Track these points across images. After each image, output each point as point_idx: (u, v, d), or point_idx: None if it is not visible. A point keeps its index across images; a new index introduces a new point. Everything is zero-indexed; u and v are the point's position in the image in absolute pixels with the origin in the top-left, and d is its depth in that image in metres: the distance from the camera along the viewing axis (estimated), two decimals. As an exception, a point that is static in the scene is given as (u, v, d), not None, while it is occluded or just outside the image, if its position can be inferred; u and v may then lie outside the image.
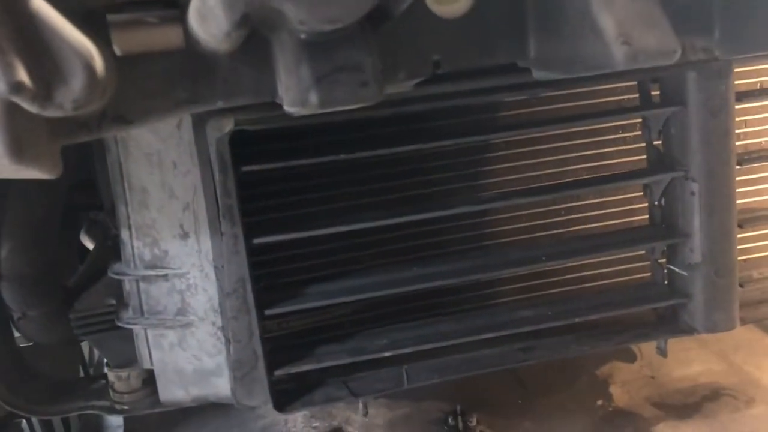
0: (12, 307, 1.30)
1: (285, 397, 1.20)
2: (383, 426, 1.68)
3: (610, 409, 1.69)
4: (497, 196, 1.26)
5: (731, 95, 1.18)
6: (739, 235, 1.31)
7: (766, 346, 1.86)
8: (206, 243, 1.11)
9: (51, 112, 0.73)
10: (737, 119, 1.36)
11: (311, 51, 0.77)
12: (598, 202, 1.42)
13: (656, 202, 1.31)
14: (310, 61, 0.77)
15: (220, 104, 0.91)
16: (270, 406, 1.18)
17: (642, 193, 1.35)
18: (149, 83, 0.86)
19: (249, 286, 1.10)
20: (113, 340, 1.27)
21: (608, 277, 1.44)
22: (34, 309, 1.31)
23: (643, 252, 1.36)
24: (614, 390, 1.75)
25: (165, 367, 1.21)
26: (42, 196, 1.30)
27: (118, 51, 0.80)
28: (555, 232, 1.41)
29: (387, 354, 1.19)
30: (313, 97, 0.77)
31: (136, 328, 1.20)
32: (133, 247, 1.15)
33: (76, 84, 0.72)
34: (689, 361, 1.82)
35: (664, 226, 1.29)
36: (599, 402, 1.71)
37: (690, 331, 1.28)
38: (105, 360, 1.39)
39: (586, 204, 1.42)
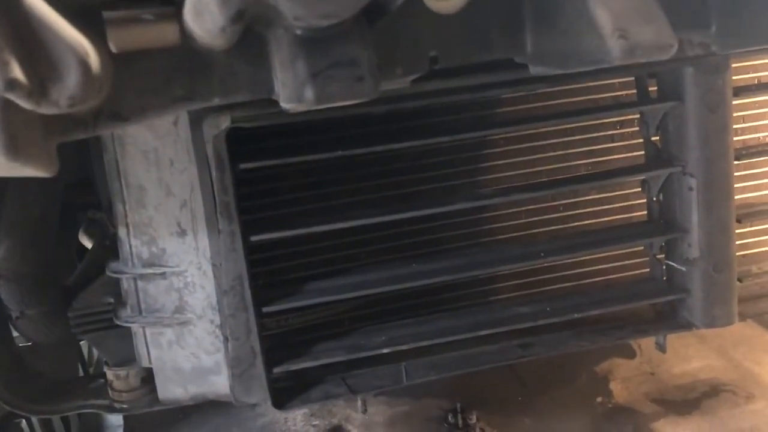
0: (10, 306, 1.30)
1: (283, 394, 1.20)
2: (383, 424, 1.68)
3: (610, 405, 1.69)
4: (495, 192, 1.26)
5: (729, 90, 1.18)
6: (738, 230, 1.31)
7: (765, 342, 1.86)
8: (204, 240, 1.11)
9: (46, 109, 0.72)
10: (735, 114, 1.36)
11: (307, 47, 0.77)
12: (596, 198, 1.42)
13: (654, 198, 1.31)
14: (306, 56, 0.77)
15: (216, 101, 0.91)
16: (269, 403, 1.18)
17: (640, 189, 1.35)
18: (145, 80, 0.86)
19: (246, 284, 1.10)
20: (112, 338, 1.27)
21: (607, 272, 1.44)
22: (33, 308, 1.31)
23: (642, 248, 1.36)
24: (614, 386, 1.76)
25: (163, 366, 1.21)
26: (40, 195, 1.30)
27: (113, 48, 0.80)
28: (554, 228, 1.41)
29: (385, 351, 1.19)
30: (309, 93, 0.77)
31: (135, 327, 1.20)
32: (130, 246, 1.15)
33: (71, 81, 0.72)
34: (689, 357, 1.82)
35: (663, 222, 1.29)
36: (599, 399, 1.71)
37: (688, 326, 1.28)
38: (104, 359, 1.39)
39: (584, 200, 1.42)
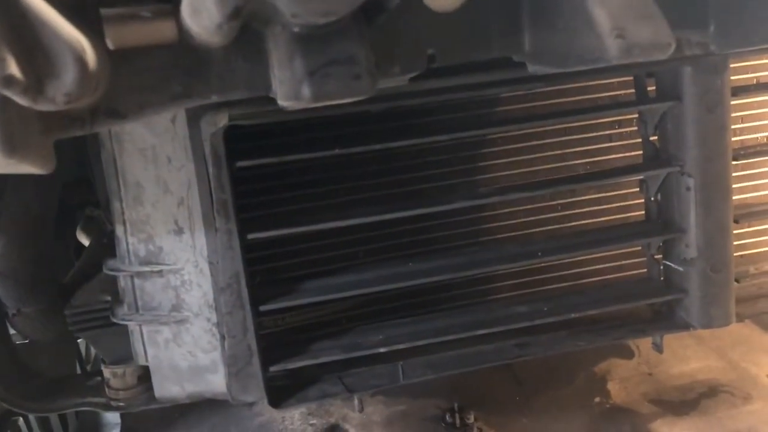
0: (7, 303, 1.30)
1: (280, 393, 1.20)
2: (380, 423, 1.68)
3: (608, 405, 1.70)
4: (493, 191, 1.26)
5: (727, 90, 1.18)
6: (736, 231, 1.31)
7: (763, 342, 1.86)
8: (201, 238, 1.11)
9: (43, 106, 0.72)
10: (734, 114, 1.36)
11: (304, 44, 0.77)
12: (594, 198, 1.42)
13: (652, 198, 1.31)
14: (304, 54, 0.77)
15: (214, 98, 0.91)
16: (265, 402, 1.18)
17: (638, 189, 1.35)
18: (143, 77, 0.86)
19: (243, 282, 1.10)
20: (109, 336, 1.27)
21: (605, 272, 1.44)
22: (30, 305, 1.31)
23: (639, 247, 1.36)
24: (612, 387, 1.76)
25: (160, 364, 1.20)
26: (37, 192, 1.30)
27: (111, 45, 0.80)
28: (552, 227, 1.41)
29: (382, 350, 1.19)
30: (306, 91, 0.77)
31: (131, 325, 1.19)
32: (127, 243, 1.15)
33: (67, 78, 0.72)
34: (687, 357, 1.82)
35: (660, 222, 1.29)
36: (597, 399, 1.71)
37: (686, 326, 1.28)
38: (101, 356, 1.39)
39: (582, 199, 1.41)
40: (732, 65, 1.31)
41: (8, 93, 0.70)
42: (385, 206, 1.21)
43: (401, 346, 1.20)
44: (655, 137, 1.28)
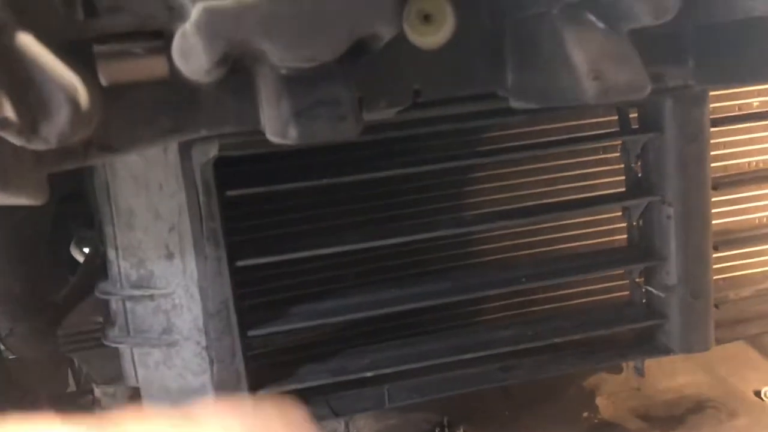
0: (0, 323, 1.32)
1: (268, 415, 1.22)
2: (370, 438, 1.69)
3: (596, 420, 1.71)
4: (479, 218, 1.29)
5: (706, 122, 1.21)
6: (718, 255, 1.34)
7: (751, 358, 1.88)
8: (191, 263, 1.13)
9: (37, 146, 0.75)
10: (718, 141, 1.39)
11: (291, 85, 0.79)
12: (580, 222, 1.45)
13: (635, 223, 1.33)
14: (290, 95, 0.79)
15: (203, 132, 0.93)
16: (254, 423, 1.19)
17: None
18: (135, 112, 0.88)
19: (232, 308, 1.12)
20: (100, 357, 1.29)
21: (590, 295, 1.46)
22: (23, 325, 1.32)
23: (623, 272, 1.38)
24: (600, 401, 1.77)
25: (150, 385, 1.22)
26: (30, 213, 1.31)
27: (103, 81, 0.82)
28: (539, 250, 1.43)
29: (368, 374, 1.21)
30: (293, 131, 0.80)
31: (122, 347, 1.21)
32: (119, 267, 1.17)
33: (61, 118, 0.74)
34: (675, 373, 1.83)
35: (642, 248, 1.31)
36: (585, 414, 1.73)
37: (666, 351, 1.31)
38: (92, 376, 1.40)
39: (568, 224, 1.44)
40: (715, 93, 1.34)
41: (3, 134, 0.72)
42: (374, 230, 1.24)
43: (387, 371, 1.22)
44: (638, 165, 1.31)
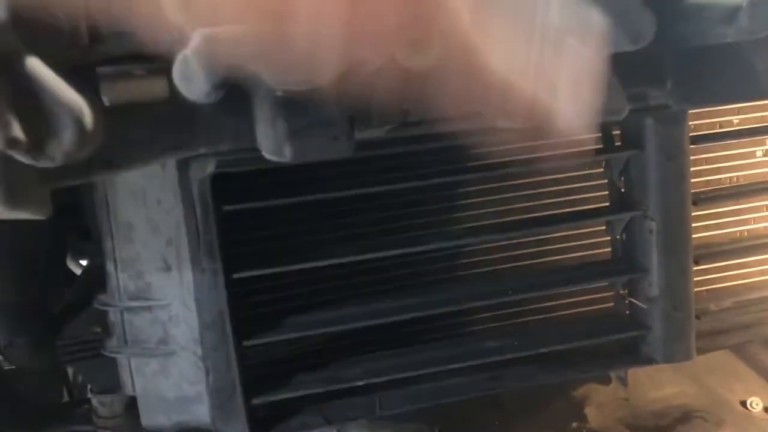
0: (-1, 334, 1.34)
1: (262, 424, 1.25)
2: (363, 447, 1.72)
3: (585, 430, 1.73)
4: (468, 232, 1.32)
5: (686, 140, 1.25)
6: (699, 268, 1.38)
7: (738, 369, 1.91)
8: (188, 276, 1.16)
9: (43, 164, 0.79)
10: (699, 157, 1.44)
11: (286, 107, 0.84)
12: (566, 235, 1.49)
13: (618, 237, 1.37)
14: (285, 116, 0.83)
15: (202, 150, 0.98)
16: (248, 432, 1.22)
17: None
18: (136, 131, 0.92)
19: (228, 319, 1.15)
20: (97, 367, 1.31)
21: (575, 306, 1.50)
22: (22, 337, 1.34)
23: (607, 284, 1.42)
24: (589, 411, 1.79)
25: (147, 394, 1.25)
26: (31, 227, 1.33)
27: (106, 101, 0.86)
28: (526, 263, 1.47)
29: (360, 383, 1.24)
30: (288, 150, 0.84)
31: (120, 357, 1.24)
32: (118, 279, 1.20)
33: (66, 137, 0.78)
34: (663, 383, 1.86)
35: (625, 261, 1.35)
36: (574, 424, 1.75)
37: (650, 361, 1.35)
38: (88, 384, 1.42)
39: (555, 236, 1.47)
40: (696, 111, 1.39)
41: (12, 153, 0.76)
42: (365, 246, 1.27)
43: (379, 380, 1.26)
44: (622, 180, 1.35)
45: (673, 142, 1.23)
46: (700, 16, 0.90)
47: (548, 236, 1.44)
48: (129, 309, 1.20)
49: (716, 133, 1.41)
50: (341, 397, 1.28)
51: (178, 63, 0.78)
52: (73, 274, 1.72)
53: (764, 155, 1.51)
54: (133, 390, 1.26)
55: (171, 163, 1.11)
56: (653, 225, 1.27)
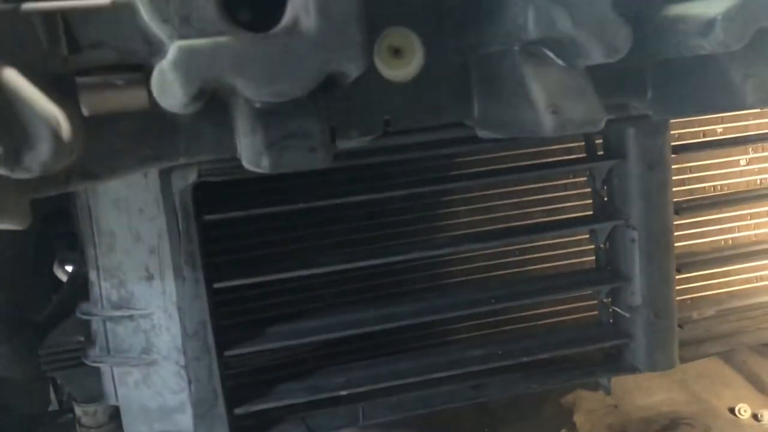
0: (-19, 343, 1.33)
1: (245, 433, 1.25)
2: (349, 455, 1.71)
3: (573, 437, 1.74)
4: (451, 241, 1.33)
5: (668, 149, 1.26)
6: (681, 277, 1.38)
7: (726, 375, 1.92)
8: (170, 285, 1.16)
9: (20, 175, 0.78)
10: (682, 166, 1.45)
11: (264, 118, 0.84)
12: (551, 243, 1.49)
13: (601, 245, 1.38)
14: (263, 127, 0.83)
15: (183, 160, 0.97)
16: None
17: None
18: (115, 141, 0.92)
19: (210, 329, 1.15)
20: (81, 376, 1.30)
21: (559, 315, 1.50)
22: (3, 345, 1.34)
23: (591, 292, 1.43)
24: (578, 418, 1.80)
25: (130, 404, 1.25)
26: (13, 235, 1.33)
27: (85, 112, 0.86)
28: (511, 271, 1.47)
29: (344, 393, 1.24)
30: (266, 161, 0.84)
31: (103, 366, 1.24)
32: (100, 288, 1.20)
33: (43, 149, 0.78)
34: (652, 389, 1.87)
35: (609, 269, 1.36)
36: (563, 430, 1.75)
37: (633, 369, 1.35)
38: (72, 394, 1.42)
39: (539, 245, 1.48)
40: (680, 120, 1.40)
41: (-13, 164, 0.76)
42: (348, 255, 1.27)
43: (362, 389, 1.25)
44: (604, 189, 1.36)
45: (654, 152, 1.24)
46: (677, 29, 0.90)
47: (532, 245, 1.45)
48: (111, 318, 1.20)
49: (699, 142, 1.42)
50: (324, 407, 1.28)
51: (156, 74, 0.78)
52: (60, 281, 1.71)
53: (748, 164, 1.53)
54: (116, 399, 1.26)
55: (153, 172, 1.12)
56: (635, 234, 1.28)
